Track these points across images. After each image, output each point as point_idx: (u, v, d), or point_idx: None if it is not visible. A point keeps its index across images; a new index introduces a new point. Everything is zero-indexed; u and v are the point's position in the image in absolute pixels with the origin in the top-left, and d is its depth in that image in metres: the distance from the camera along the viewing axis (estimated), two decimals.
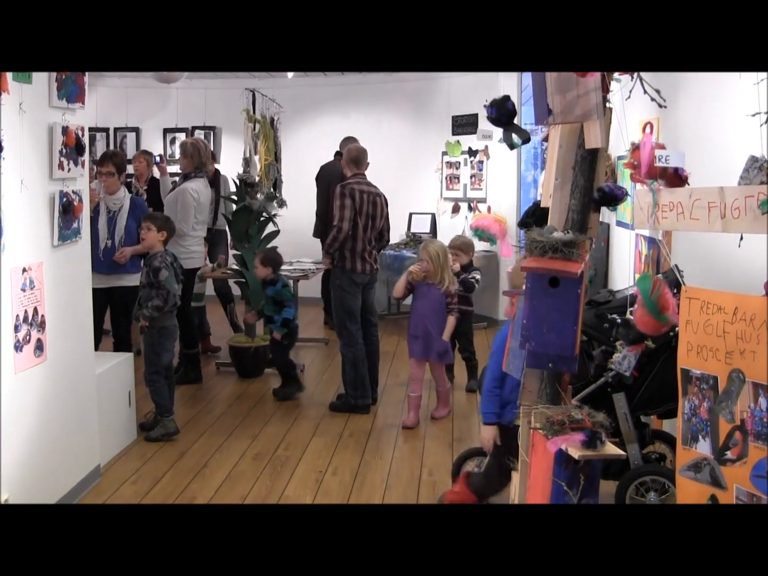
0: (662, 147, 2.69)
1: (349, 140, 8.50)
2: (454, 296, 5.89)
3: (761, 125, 2.38)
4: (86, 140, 4.48)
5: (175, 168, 8.53)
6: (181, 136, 10.27)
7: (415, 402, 5.84)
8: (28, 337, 3.88)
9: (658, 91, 2.53)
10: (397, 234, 9.64)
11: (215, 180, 7.94)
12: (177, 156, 8.34)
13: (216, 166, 8.37)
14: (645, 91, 2.52)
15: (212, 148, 10.47)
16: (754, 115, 2.43)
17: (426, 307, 5.81)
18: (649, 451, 4.11)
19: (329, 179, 8.73)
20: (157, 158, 8.11)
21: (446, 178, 10.04)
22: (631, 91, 2.59)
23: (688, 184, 2.77)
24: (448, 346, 5.93)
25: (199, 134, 10.39)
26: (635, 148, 2.81)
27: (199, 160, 6.66)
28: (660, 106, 2.57)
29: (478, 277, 6.72)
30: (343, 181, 6.24)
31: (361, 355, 6.12)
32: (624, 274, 5.99)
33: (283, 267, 8.00)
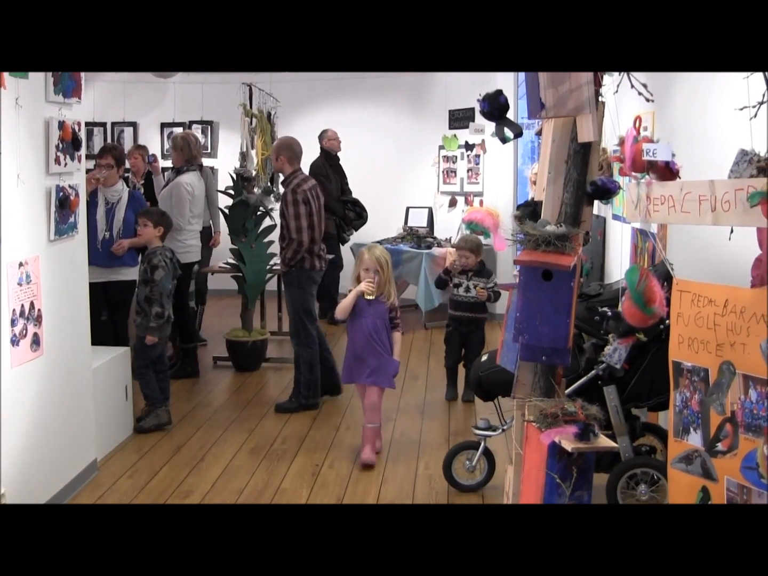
0: (650, 141, 2.71)
1: (326, 133, 8.55)
2: (398, 310, 5.12)
3: (750, 119, 2.39)
4: (83, 135, 4.49)
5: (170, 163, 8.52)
6: (179, 131, 10.26)
7: (375, 433, 5.12)
8: (24, 332, 3.90)
9: (645, 86, 2.55)
10: (394, 228, 9.66)
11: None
12: None
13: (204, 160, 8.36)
14: (632, 86, 2.53)
15: (209, 143, 10.49)
16: (741, 109, 2.45)
17: (370, 325, 4.97)
18: (640, 444, 4.13)
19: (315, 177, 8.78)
20: (151, 158, 8.10)
21: (443, 172, 10.05)
22: (618, 86, 2.60)
23: (680, 178, 2.79)
24: (398, 368, 5.15)
25: (197, 129, 10.39)
26: (622, 141, 2.83)
27: (189, 153, 6.71)
28: (647, 100, 2.58)
29: (497, 281, 6.37)
30: (309, 176, 6.10)
31: (317, 357, 5.97)
32: (619, 267, 6.00)
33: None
